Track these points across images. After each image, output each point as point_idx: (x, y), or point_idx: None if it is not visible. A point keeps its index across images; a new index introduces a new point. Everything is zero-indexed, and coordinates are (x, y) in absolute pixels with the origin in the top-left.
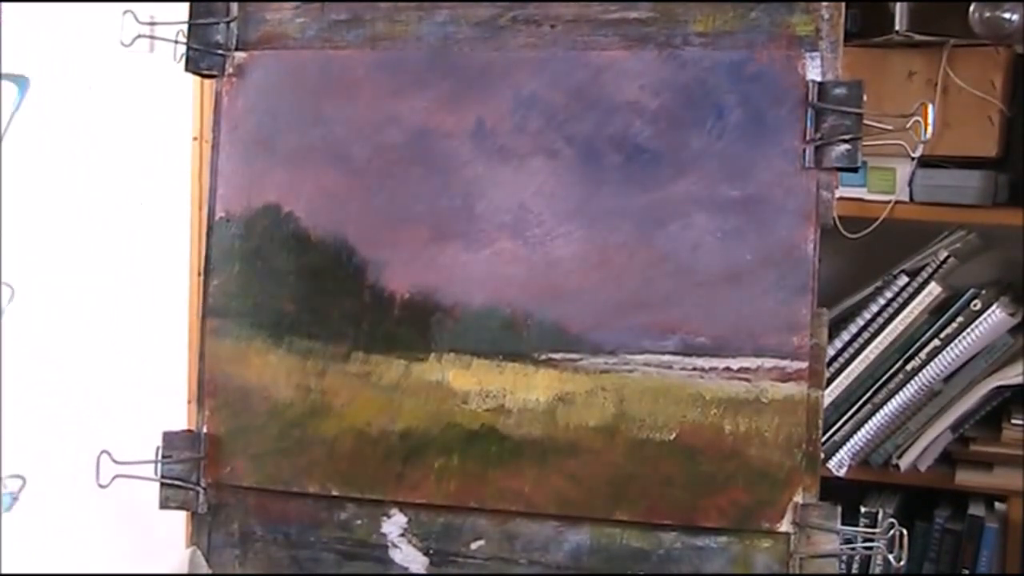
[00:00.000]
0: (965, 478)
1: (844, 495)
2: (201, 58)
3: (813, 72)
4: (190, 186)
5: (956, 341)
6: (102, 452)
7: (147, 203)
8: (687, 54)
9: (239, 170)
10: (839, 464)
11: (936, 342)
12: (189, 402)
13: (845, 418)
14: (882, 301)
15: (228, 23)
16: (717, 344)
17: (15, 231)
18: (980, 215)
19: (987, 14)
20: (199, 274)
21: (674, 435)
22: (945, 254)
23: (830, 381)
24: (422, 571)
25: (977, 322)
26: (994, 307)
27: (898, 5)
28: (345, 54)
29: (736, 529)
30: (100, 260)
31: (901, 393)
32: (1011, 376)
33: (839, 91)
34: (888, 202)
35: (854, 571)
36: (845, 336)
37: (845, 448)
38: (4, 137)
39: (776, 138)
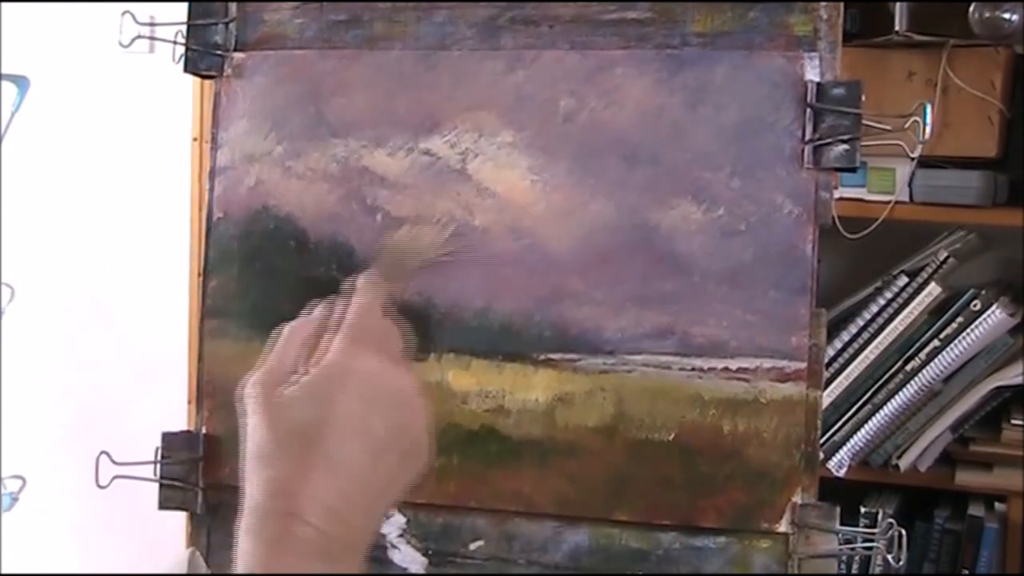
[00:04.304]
0: (965, 478)
1: (844, 495)
2: (200, 59)
3: (811, 72)
4: (190, 186)
5: (956, 341)
6: (101, 453)
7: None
8: (685, 54)
9: (238, 170)
10: (839, 464)
11: (936, 342)
12: (189, 402)
13: (845, 418)
14: (882, 301)
15: (227, 24)
16: (715, 344)
17: (15, 231)
18: (980, 215)
19: (987, 14)
20: (199, 274)
21: (673, 435)
22: (945, 254)
23: (830, 381)
24: (421, 571)
25: (977, 322)
26: (994, 307)
27: (898, 5)
28: (343, 54)
29: (735, 529)
30: (100, 260)
31: (901, 393)
32: (1011, 376)
33: (837, 91)
34: (888, 202)
35: (854, 571)
36: (845, 336)
37: (845, 448)
38: (4, 137)
39: (774, 138)
